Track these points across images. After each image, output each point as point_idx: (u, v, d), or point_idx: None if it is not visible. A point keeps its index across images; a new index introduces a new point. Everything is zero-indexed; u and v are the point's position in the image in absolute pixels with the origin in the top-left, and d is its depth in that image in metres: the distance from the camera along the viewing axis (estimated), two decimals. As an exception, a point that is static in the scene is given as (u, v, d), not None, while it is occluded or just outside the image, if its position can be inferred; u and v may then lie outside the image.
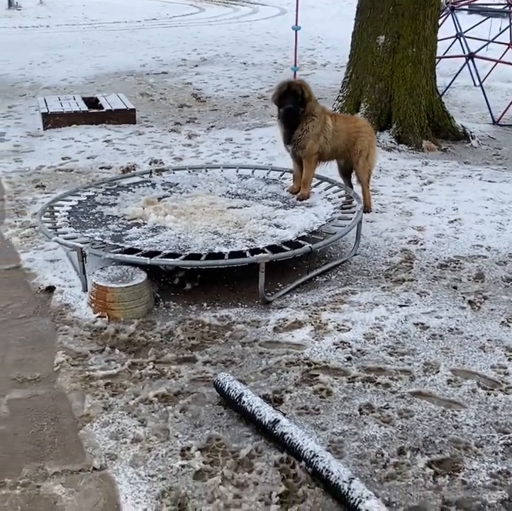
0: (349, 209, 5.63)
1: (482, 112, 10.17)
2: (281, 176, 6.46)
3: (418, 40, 8.25)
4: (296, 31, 8.15)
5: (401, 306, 4.68)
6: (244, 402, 3.56)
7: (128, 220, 5.42)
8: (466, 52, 10.32)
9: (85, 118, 9.60)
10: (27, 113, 10.32)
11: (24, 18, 23.35)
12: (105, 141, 8.89)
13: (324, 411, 3.63)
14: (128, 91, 11.29)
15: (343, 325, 4.46)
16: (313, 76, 13.49)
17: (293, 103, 5.65)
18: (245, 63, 14.81)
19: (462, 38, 11.14)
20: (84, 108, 9.80)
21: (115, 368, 4.02)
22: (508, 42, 11.41)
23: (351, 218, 5.36)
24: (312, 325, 4.47)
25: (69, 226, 5.29)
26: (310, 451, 3.13)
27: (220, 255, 4.75)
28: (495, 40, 11.30)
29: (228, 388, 3.67)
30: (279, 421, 3.37)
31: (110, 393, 3.78)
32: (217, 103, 11.16)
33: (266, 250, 4.81)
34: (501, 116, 9.69)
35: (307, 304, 4.76)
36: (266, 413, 3.44)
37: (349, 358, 4.10)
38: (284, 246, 4.89)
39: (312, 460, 3.09)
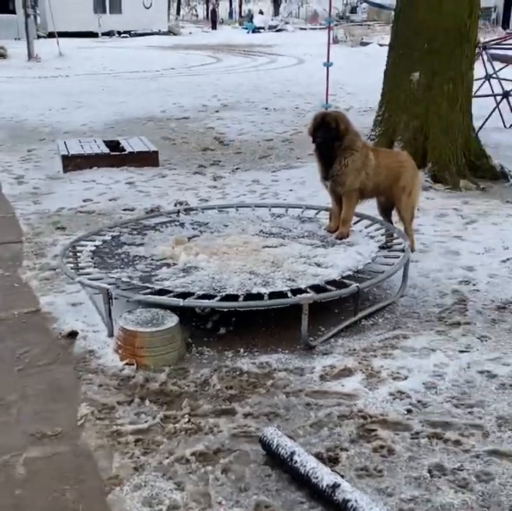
0: (394, 247, 5.22)
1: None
2: (316, 214, 6.07)
3: (454, 77, 7.92)
4: (327, 67, 7.91)
5: (461, 351, 4.22)
6: (296, 461, 3.10)
7: (157, 260, 5.04)
8: (501, 91, 9.99)
9: (106, 160, 9.32)
10: (46, 157, 10.07)
11: (43, 69, 23.42)
12: (127, 183, 8.58)
13: (388, 473, 3.14)
14: (149, 136, 11.02)
15: (398, 373, 4.00)
16: (337, 120, 13.20)
17: (325, 137, 5.29)
18: (266, 108, 14.60)
19: (491, 79, 10.90)
20: (106, 150, 9.52)
21: (145, 422, 3.57)
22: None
23: (398, 257, 4.94)
24: (363, 372, 4.01)
25: (94, 267, 4.90)
26: (383, 522, 2.64)
27: (259, 296, 4.33)
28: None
29: (277, 445, 3.21)
30: (339, 485, 2.90)
31: (142, 451, 3.33)
32: (241, 147, 10.87)
33: (308, 290, 4.38)
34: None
35: (355, 349, 4.31)
36: (324, 475, 2.97)
37: (409, 411, 3.63)
38: (328, 286, 4.47)
39: (385, 534, 2.61)
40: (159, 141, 11.06)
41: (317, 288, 4.45)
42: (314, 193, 7.92)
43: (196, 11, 79.59)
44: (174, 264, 4.94)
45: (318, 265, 4.81)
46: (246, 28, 50.96)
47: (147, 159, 9.47)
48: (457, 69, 7.92)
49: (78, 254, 5.23)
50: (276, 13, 67.77)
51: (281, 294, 4.35)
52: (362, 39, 33.58)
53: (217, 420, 3.59)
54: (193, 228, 5.72)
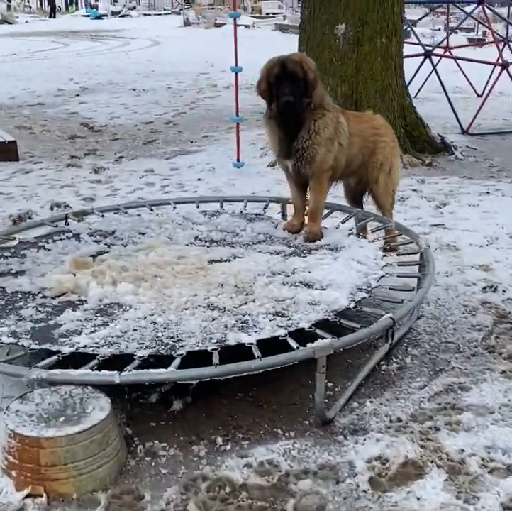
0: (402, 248, 3.69)
1: (440, 122, 8.61)
2: (265, 208, 4.42)
3: (387, 28, 6.51)
4: (236, 73, 6.44)
5: None
6: None
7: (53, 297, 3.20)
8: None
9: None
10: None
11: None
12: (-21, 184, 6.52)
13: None
14: (-1, 125, 8.90)
15: (493, 459, 2.47)
16: (219, 98, 11.60)
17: (293, 93, 3.66)
18: (134, 89, 12.71)
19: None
20: None
21: None
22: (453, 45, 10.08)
23: (419, 263, 3.40)
24: (438, 466, 2.44)
25: None
26: None
27: (243, 351, 2.63)
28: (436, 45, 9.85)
29: None
30: None
31: None
32: (117, 132, 8.99)
33: (318, 331, 2.74)
34: (470, 125, 8.15)
35: (400, 419, 2.73)
36: None
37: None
38: (343, 321, 2.84)
39: None
40: (14, 131, 8.94)
41: (328, 325, 2.82)
42: (230, 181, 6.31)
43: (28, 1, 74.80)
44: (82, 302, 3.14)
45: (308, 286, 3.18)
46: (89, 15, 47.97)
47: (2, 152, 7.40)
48: (390, 18, 6.51)
49: None
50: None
51: (278, 344, 2.68)
52: (216, 20, 32.04)
53: None
54: (95, 241, 3.91)
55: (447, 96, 8.31)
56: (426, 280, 3.13)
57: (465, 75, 10.24)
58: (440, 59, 9.77)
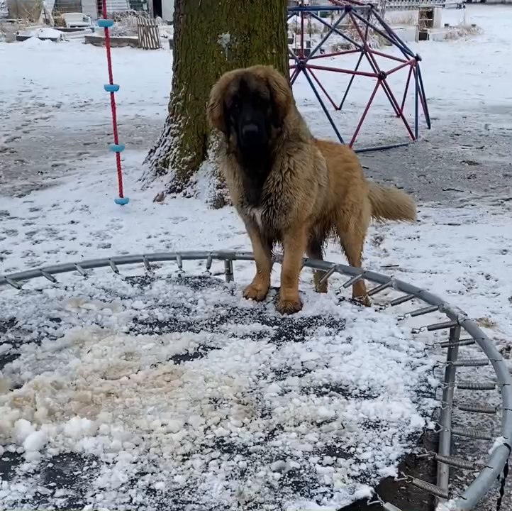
0: (432, 314, 2.87)
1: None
2: (209, 268, 3.41)
3: (276, 38, 5.71)
4: (112, 92, 5.35)
5: None
6: None
7: (-39, 456, 2.03)
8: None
9: None
10: None
11: None
12: None
13: None
14: None
15: None
16: (54, 119, 10.24)
17: (257, 121, 2.71)
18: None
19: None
20: None
21: None
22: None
23: (469, 341, 2.59)
24: None
25: None
26: None
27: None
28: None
29: None
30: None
31: None
32: None
33: (418, 482, 1.83)
34: (352, 141, 7.58)
35: None
36: None
37: None
38: (440, 457, 1.95)
39: None
40: None
41: (412, 463, 1.92)
42: (115, 223, 5.22)
43: None
44: (15, 459, 2.00)
45: (343, 392, 2.27)
46: None
47: None
48: (278, 27, 5.72)
49: None
50: None
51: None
52: (18, 33, 29.72)
53: None
54: (-10, 339, 2.72)
55: (326, 111, 7.73)
56: (501, 368, 2.31)
57: (322, 88, 9.73)
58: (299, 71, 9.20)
